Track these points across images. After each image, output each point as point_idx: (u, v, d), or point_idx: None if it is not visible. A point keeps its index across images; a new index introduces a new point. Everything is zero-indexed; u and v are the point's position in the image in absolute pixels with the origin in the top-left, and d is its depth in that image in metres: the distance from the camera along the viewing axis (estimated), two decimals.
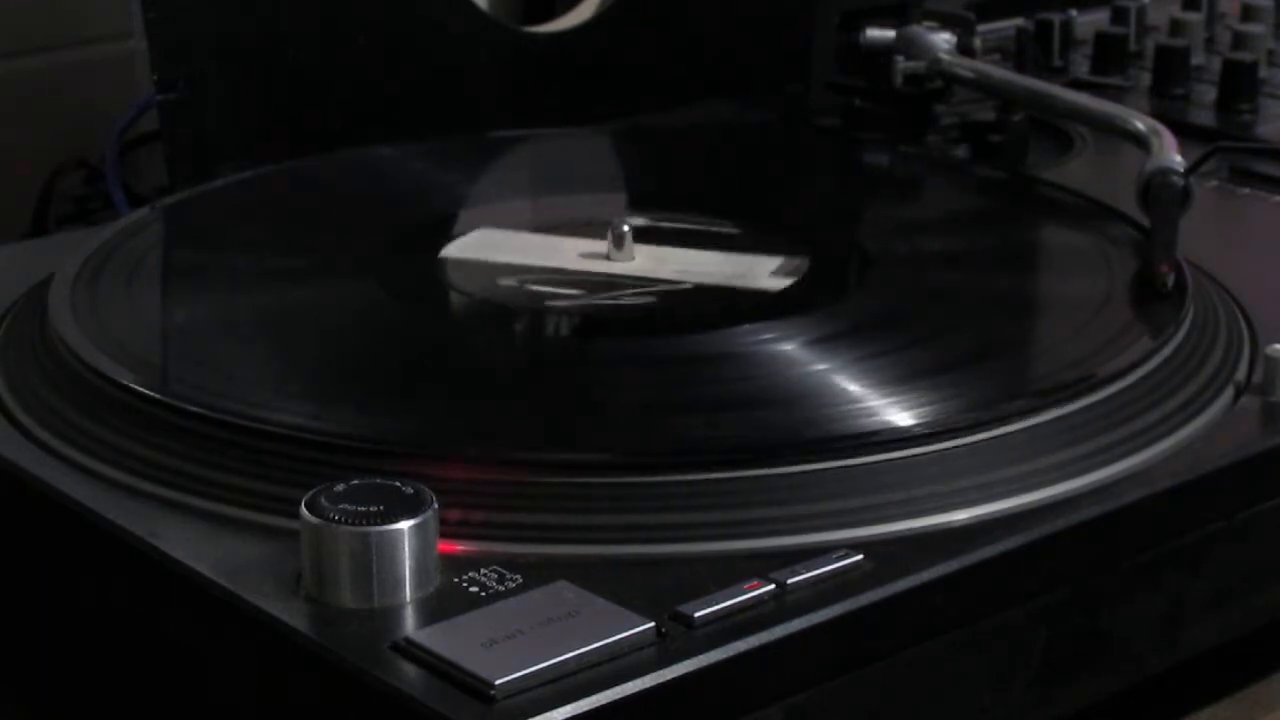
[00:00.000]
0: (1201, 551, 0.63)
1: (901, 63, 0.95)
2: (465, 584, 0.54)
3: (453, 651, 0.51)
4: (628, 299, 0.73)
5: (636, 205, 0.85)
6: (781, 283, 0.73)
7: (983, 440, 0.61)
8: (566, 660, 0.51)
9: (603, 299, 0.73)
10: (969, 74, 0.94)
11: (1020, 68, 0.99)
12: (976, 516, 0.59)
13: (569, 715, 0.49)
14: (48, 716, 0.66)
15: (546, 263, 0.76)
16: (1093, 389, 0.64)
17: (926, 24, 0.96)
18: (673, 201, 0.83)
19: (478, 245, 0.78)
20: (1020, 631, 0.59)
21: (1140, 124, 0.83)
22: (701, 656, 0.52)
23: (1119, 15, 1.12)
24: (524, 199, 0.88)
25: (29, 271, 0.77)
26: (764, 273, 0.75)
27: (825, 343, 0.68)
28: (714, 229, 0.80)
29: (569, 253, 0.77)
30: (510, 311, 0.72)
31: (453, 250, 0.77)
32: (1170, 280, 0.72)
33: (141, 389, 0.64)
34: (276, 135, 0.91)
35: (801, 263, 0.75)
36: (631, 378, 0.67)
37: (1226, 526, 0.63)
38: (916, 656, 0.56)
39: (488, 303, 0.73)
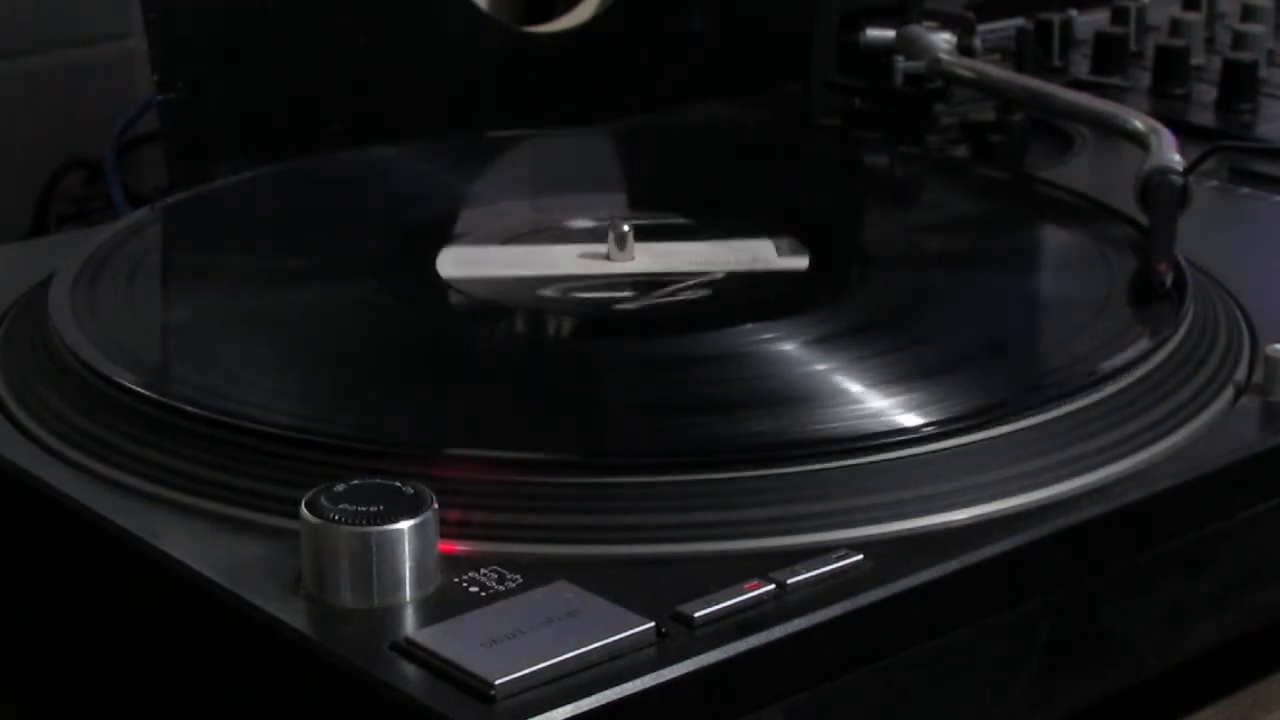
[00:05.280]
0: (1201, 551, 0.63)
1: (901, 63, 0.95)
2: (465, 584, 0.55)
3: (453, 651, 0.51)
4: (685, 294, 0.72)
5: (632, 205, 0.85)
6: (799, 261, 0.73)
7: (983, 440, 0.61)
8: (566, 660, 0.51)
9: (661, 297, 0.72)
10: (969, 74, 0.94)
11: (1020, 68, 0.99)
12: (976, 516, 0.59)
13: (569, 715, 0.49)
14: (48, 716, 0.66)
15: (555, 270, 0.75)
16: (1092, 389, 0.64)
17: (926, 24, 0.96)
18: (672, 202, 0.83)
19: (465, 263, 0.76)
20: (1020, 631, 0.59)
21: (1139, 123, 0.83)
22: (701, 656, 0.52)
23: (1119, 15, 1.12)
24: (523, 199, 0.88)
25: (29, 271, 0.77)
26: (771, 254, 0.75)
27: (825, 342, 0.68)
28: (673, 222, 0.80)
29: (569, 258, 0.77)
30: (511, 311, 0.72)
31: (450, 269, 0.76)
32: (1169, 280, 0.72)
33: (141, 389, 0.64)
34: (276, 135, 0.91)
35: (793, 242, 0.75)
36: (632, 377, 0.67)
37: (1226, 526, 0.63)
38: (916, 656, 0.56)
39: (488, 302, 0.73)
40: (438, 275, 0.75)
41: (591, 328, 0.72)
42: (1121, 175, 0.81)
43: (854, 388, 0.65)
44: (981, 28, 0.99)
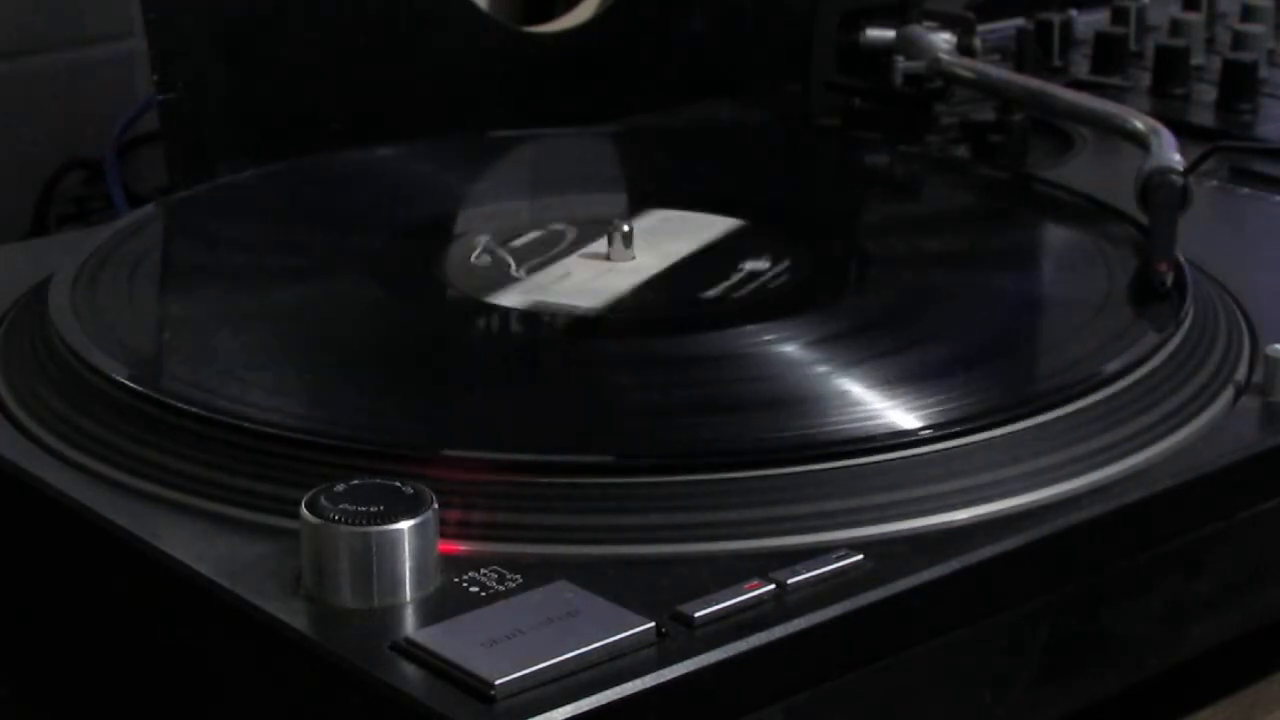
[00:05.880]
0: (1201, 551, 0.63)
1: (901, 63, 0.95)
2: (465, 584, 0.55)
3: (453, 651, 0.51)
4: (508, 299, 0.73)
5: (661, 206, 0.84)
6: (592, 306, 0.72)
7: (983, 440, 0.61)
8: (566, 660, 0.51)
9: (487, 292, 0.73)
10: (969, 74, 0.94)
11: (1020, 68, 0.99)
12: (976, 516, 0.59)
13: (569, 715, 0.49)
14: (48, 716, 0.66)
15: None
16: (1092, 389, 0.64)
17: (926, 24, 0.96)
18: (672, 202, 0.83)
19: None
20: (1020, 631, 0.59)
21: (1139, 123, 0.83)
22: (701, 656, 0.52)
23: (1119, 15, 1.12)
24: (524, 199, 0.88)
25: (29, 271, 0.77)
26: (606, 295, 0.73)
27: (825, 343, 0.68)
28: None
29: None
30: (510, 311, 0.72)
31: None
32: (1169, 280, 0.72)
33: (142, 389, 0.64)
34: (276, 135, 0.91)
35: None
36: (632, 378, 0.67)
37: (1226, 526, 0.63)
38: (916, 656, 0.56)
39: (487, 303, 0.73)
40: (437, 276, 0.75)
41: (591, 328, 0.72)
42: (1121, 175, 0.81)
43: (854, 388, 0.65)
44: (981, 28, 0.99)
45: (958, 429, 0.61)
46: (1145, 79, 1.05)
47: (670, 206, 0.83)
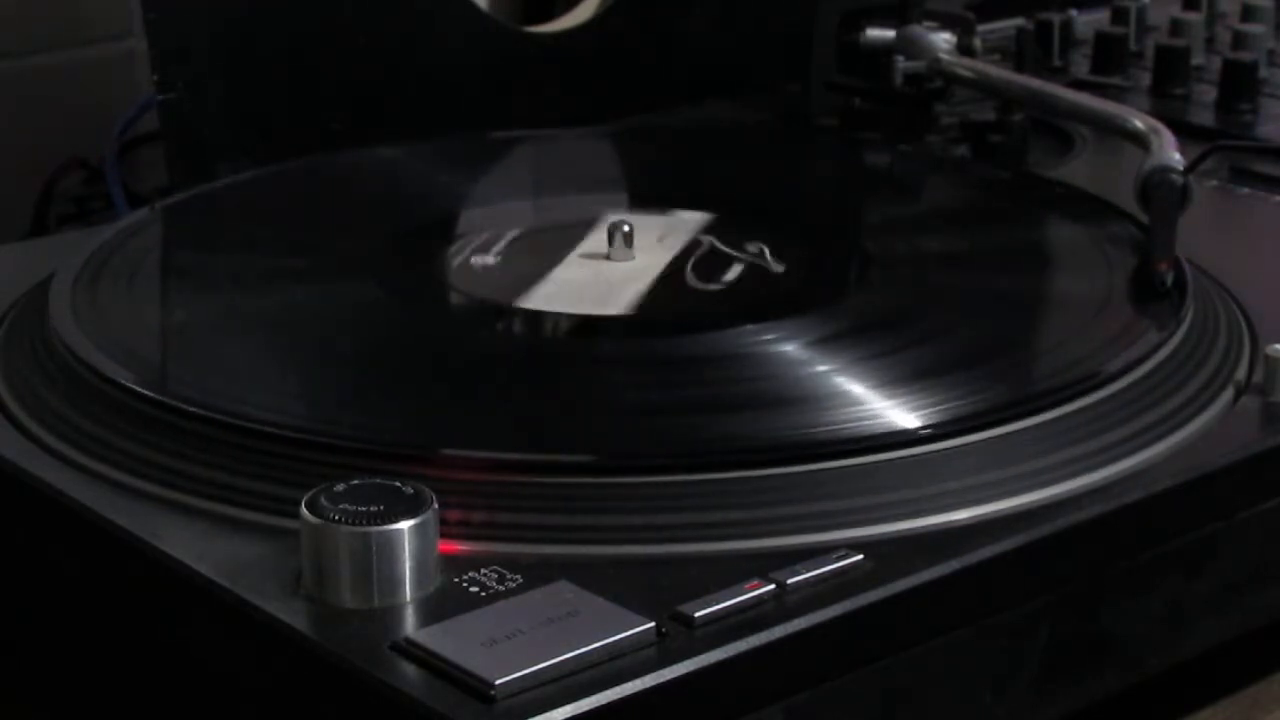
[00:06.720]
0: (1201, 551, 0.63)
1: (901, 63, 0.95)
2: (465, 584, 0.55)
3: (453, 651, 0.51)
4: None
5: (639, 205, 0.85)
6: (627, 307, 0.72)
7: (983, 440, 0.61)
8: (566, 660, 0.51)
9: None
10: (969, 74, 0.94)
11: (1020, 68, 0.99)
12: (976, 516, 0.59)
13: (569, 715, 0.49)
14: (48, 716, 0.66)
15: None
16: (1092, 389, 0.64)
17: (926, 24, 0.96)
18: (672, 202, 0.83)
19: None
20: (1020, 631, 0.59)
21: (1140, 123, 0.83)
22: (701, 656, 0.52)
23: (1119, 15, 1.12)
24: (524, 199, 0.88)
25: (29, 271, 0.77)
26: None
27: (825, 343, 0.68)
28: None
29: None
30: (511, 311, 0.72)
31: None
32: (1169, 279, 0.72)
33: (141, 389, 0.64)
34: (276, 135, 0.91)
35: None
36: (632, 378, 0.67)
37: (1226, 526, 0.63)
38: (916, 656, 0.56)
39: (487, 303, 0.73)
40: (437, 276, 0.75)
41: (592, 328, 0.72)
42: (1122, 175, 0.81)
43: (854, 388, 0.65)
44: (981, 28, 0.99)
45: (957, 429, 0.61)
46: (1145, 79, 1.05)
47: (670, 206, 0.82)
